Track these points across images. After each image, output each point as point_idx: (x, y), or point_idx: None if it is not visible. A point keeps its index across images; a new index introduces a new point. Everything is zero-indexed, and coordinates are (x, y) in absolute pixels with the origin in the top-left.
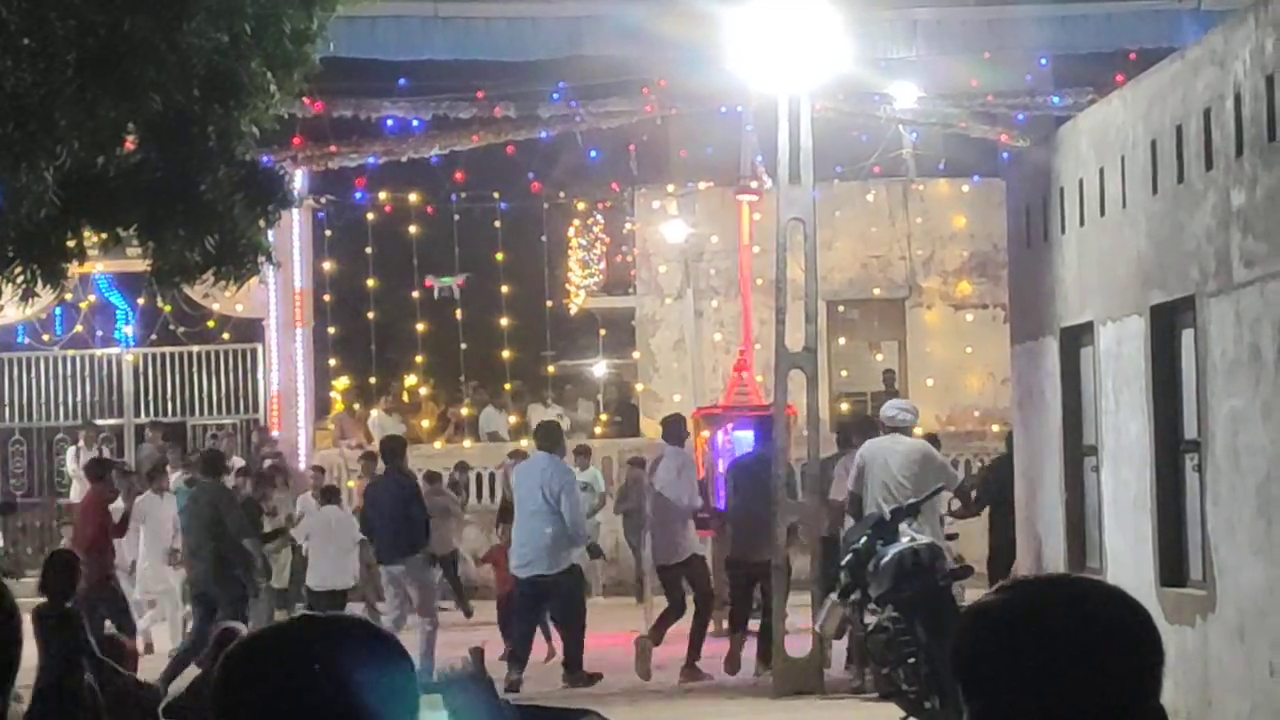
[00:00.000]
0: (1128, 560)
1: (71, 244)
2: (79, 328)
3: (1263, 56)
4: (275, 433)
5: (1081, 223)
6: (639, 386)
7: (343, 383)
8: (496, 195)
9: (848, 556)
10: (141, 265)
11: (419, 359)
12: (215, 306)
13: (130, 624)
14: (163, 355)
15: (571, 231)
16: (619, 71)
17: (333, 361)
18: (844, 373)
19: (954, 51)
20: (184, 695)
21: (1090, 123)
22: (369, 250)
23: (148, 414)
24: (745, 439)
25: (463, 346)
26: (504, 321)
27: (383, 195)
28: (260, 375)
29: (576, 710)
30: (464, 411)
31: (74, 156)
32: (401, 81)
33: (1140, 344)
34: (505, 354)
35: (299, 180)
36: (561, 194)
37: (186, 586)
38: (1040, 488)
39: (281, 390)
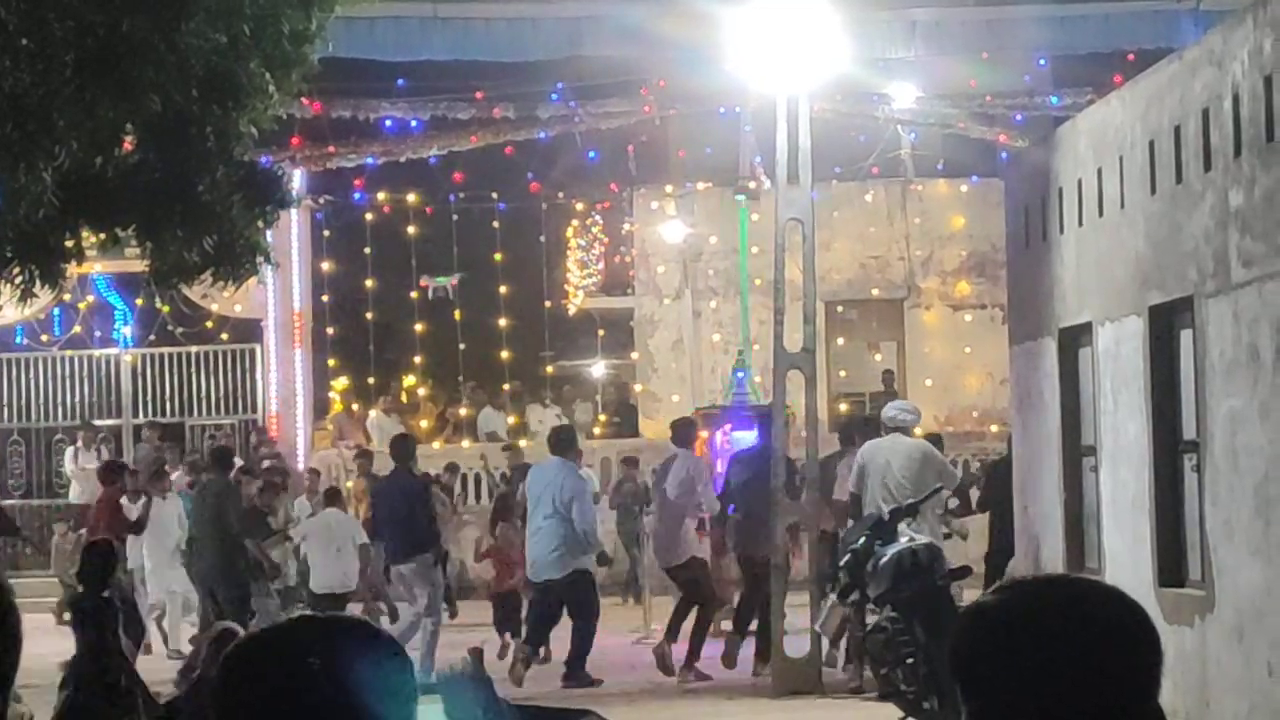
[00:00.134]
0: (1126, 560)
1: (70, 244)
2: (77, 328)
3: (1261, 57)
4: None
5: (1080, 223)
6: (637, 387)
7: (341, 383)
8: (495, 196)
9: (846, 557)
10: (140, 266)
11: (417, 359)
12: (214, 307)
13: (137, 627)
14: (161, 356)
15: (570, 232)
16: (618, 72)
17: (331, 362)
18: (843, 373)
19: (952, 52)
20: (181, 696)
21: (1089, 123)
22: (367, 251)
23: (146, 414)
24: (745, 439)
25: (461, 347)
26: (502, 322)
27: (381, 196)
28: (259, 376)
29: (576, 710)
30: (462, 412)
31: (72, 157)
32: (400, 82)
33: (1139, 344)
34: (504, 354)
35: (297, 181)
36: (560, 194)
37: (191, 582)
38: (1039, 488)
39: (280, 392)
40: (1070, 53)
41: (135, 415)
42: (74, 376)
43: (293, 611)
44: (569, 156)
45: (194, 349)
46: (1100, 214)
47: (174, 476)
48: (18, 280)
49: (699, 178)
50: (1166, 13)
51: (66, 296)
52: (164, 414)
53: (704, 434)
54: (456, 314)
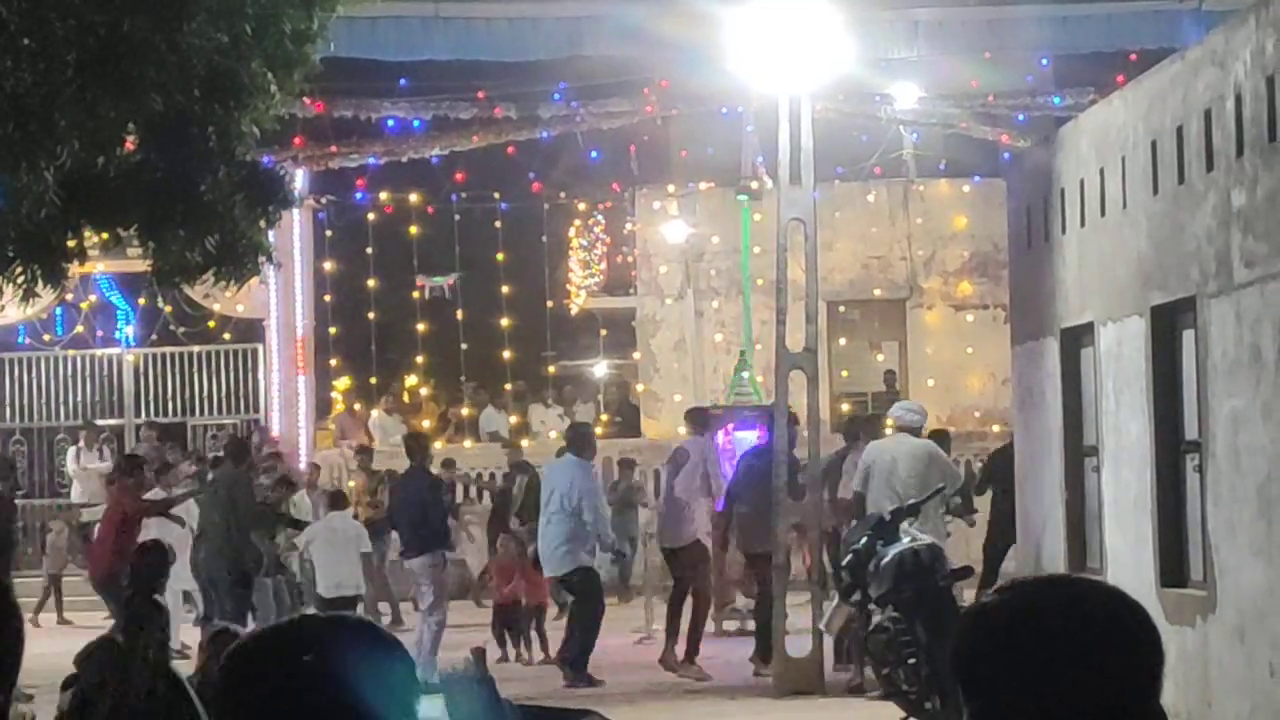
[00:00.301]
0: (1128, 561)
1: (72, 244)
2: (80, 328)
3: (1263, 57)
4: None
5: (1082, 223)
6: (639, 387)
7: (343, 383)
8: (497, 195)
9: (848, 557)
10: (142, 265)
11: (419, 359)
12: (216, 307)
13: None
14: (163, 355)
15: (572, 232)
16: (620, 72)
17: (333, 362)
18: (845, 373)
19: (955, 52)
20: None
21: (1091, 123)
22: (369, 250)
23: (148, 414)
24: (747, 439)
25: (463, 347)
26: (504, 322)
27: (383, 195)
28: (261, 375)
29: (577, 710)
30: (464, 412)
31: (74, 157)
32: (402, 82)
33: (1141, 344)
34: (506, 354)
35: (299, 180)
36: (562, 194)
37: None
38: (1041, 488)
39: (281, 392)
40: (1072, 52)
41: (137, 415)
42: (76, 376)
43: (297, 609)
44: (571, 156)
45: (196, 349)
46: (1102, 214)
47: (180, 468)
48: (20, 280)
49: (701, 178)
50: (1169, 13)
51: (69, 296)
52: (166, 414)
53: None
54: (459, 314)
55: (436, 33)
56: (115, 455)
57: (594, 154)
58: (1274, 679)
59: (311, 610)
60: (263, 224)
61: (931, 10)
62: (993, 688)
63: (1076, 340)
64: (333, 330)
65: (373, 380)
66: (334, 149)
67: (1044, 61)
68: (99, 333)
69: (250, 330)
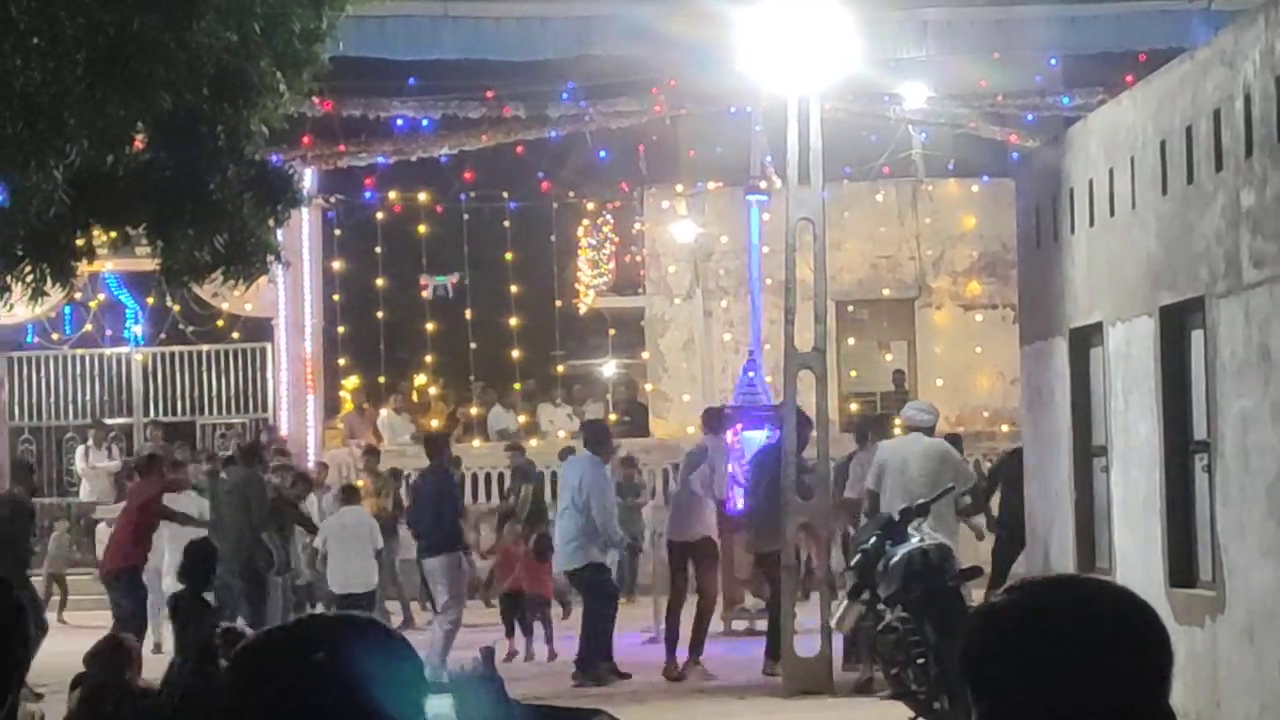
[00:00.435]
0: (1137, 561)
1: (81, 243)
2: (88, 327)
3: (1272, 57)
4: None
5: (1091, 223)
6: (648, 386)
7: (352, 382)
8: (506, 195)
9: (857, 556)
10: (151, 264)
11: (428, 358)
12: (224, 306)
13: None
14: (172, 354)
15: (581, 231)
16: (628, 71)
17: (342, 361)
18: (853, 373)
19: (964, 52)
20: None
21: (1100, 123)
22: (378, 249)
23: (157, 413)
24: (755, 439)
25: (472, 346)
26: (513, 321)
27: (392, 195)
28: (269, 374)
29: (587, 710)
30: (473, 411)
31: (83, 155)
32: (411, 81)
33: (1150, 344)
34: (514, 354)
35: (308, 179)
36: (571, 194)
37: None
38: (1049, 488)
39: (290, 391)
40: (1081, 53)
41: (146, 414)
42: (85, 375)
43: (306, 610)
44: (580, 156)
45: (205, 348)
46: (1111, 214)
47: (189, 469)
48: (28, 278)
49: (710, 177)
50: (1178, 13)
51: (77, 295)
52: (175, 413)
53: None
54: (467, 313)
55: (445, 32)
56: (123, 454)
57: (603, 153)
58: None
59: (320, 609)
60: (271, 223)
61: (940, 10)
62: (1001, 688)
63: (1085, 340)
64: (341, 329)
65: (381, 379)
66: (343, 148)
67: (1053, 61)
68: (108, 331)
69: (259, 329)
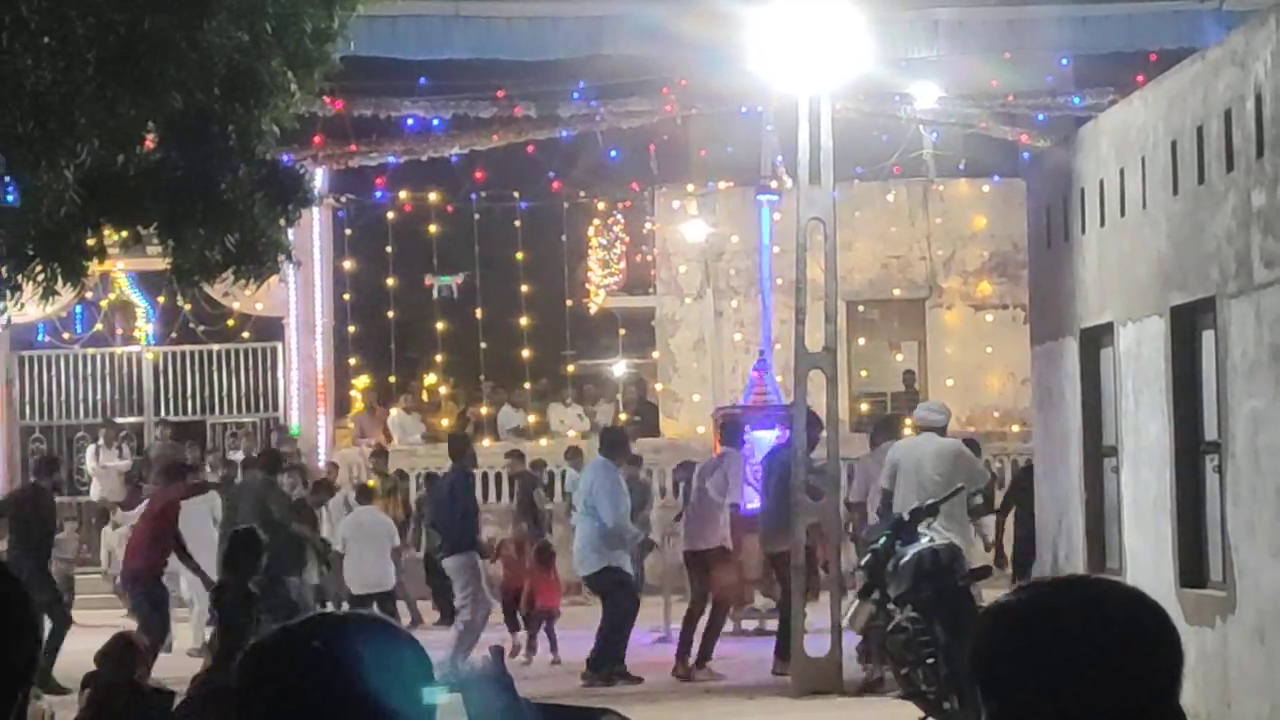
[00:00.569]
0: (1147, 561)
1: (92, 242)
2: (99, 326)
3: None
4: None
5: (1102, 223)
6: (658, 386)
7: (362, 381)
8: (516, 194)
9: (867, 556)
10: (162, 263)
11: (439, 358)
12: (235, 305)
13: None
14: (183, 353)
15: (591, 231)
16: (639, 71)
17: (352, 360)
18: (864, 373)
19: (975, 52)
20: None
21: (1111, 123)
22: (389, 249)
23: (167, 412)
24: (765, 438)
25: (482, 346)
26: (524, 321)
27: (403, 194)
28: (280, 374)
29: (596, 710)
30: (484, 410)
31: (94, 155)
32: (422, 80)
33: (1160, 345)
34: (525, 353)
35: (319, 179)
36: (582, 193)
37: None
38: (1060, 488)
39: (301, 390)
40: (1092, 52)
41: (157, 413)
42: (95, 374)
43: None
44: (590, 155)
45: (215, 347)
46: (1122, 214)
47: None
48: (39, 278)
49: (720, 177)
50: (1189, 13)
51: (88, 294)
52: (185, 412)
53: (720, 423)
54: (478, 313)
55: (456, 31)
56: (134, 453)
57: (614, 153)
58: None
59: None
60: (282, 222)
61: (951, 10)
62: (1011, 688)
63: (1096, 340)
64: (352, 329)
65: (392, 379)
66: (354, 148)
67: (1064, 61)
68: (118, 331)
69: (270, 329)
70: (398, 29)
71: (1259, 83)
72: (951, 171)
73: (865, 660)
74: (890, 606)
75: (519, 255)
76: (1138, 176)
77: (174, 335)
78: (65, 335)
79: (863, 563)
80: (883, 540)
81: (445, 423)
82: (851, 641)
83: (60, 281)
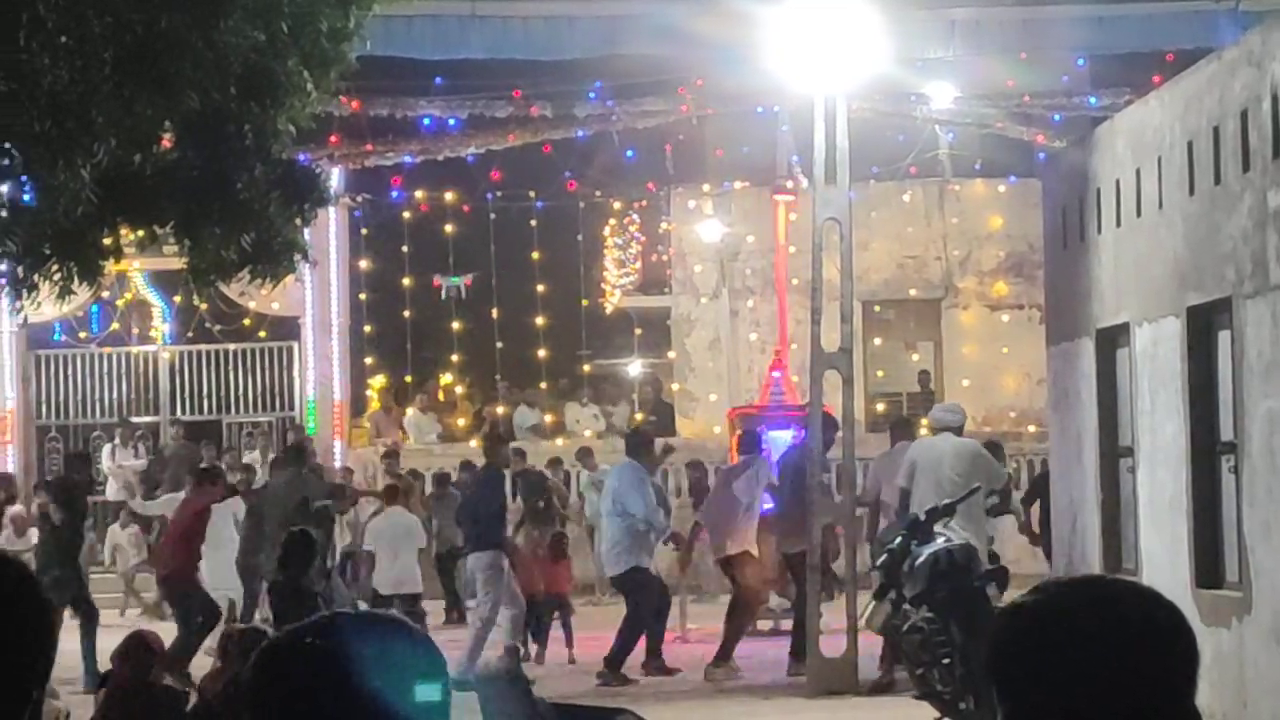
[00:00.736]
0: (1163, 561)
1: (108, 241)
2: (115, 325)
3: None
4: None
5: (1118, 224)
6: (674, 386)
7: (378, 381)
8: (532, 194)
9: (883, 556)
10: (178, 263)
11: (455, 358)
12: (251, 304)
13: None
14: (199, 353)
15: (607, 230)
16: (655, 71)
17: (369, 360)
18: (880, 373)
19: (990, 52)
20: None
21: (1127, 123)
22: (405, 249)
23: (183, 412)
24: (781, 438)
25: (498, 345)
26: (539, 320)
27: (419, 194)
28: (296, 373)
29: (612, 709)
30: (500, 410)
31: (111, 154)
32: (438, 80)
33: (1176, 345)
34: (541, 353)
35: (335, 179)
36: (597, 193)
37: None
38: (1076, 488)
39: (317, 390)
40: (1108, 53)
41: (172, 412)
42: (111, 373)
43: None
44: (606, 155)
45: (231, 346)
46: (1138, 215)
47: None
48: (56, 277)
49: (736, 177)
50: (1205, 13)
51: (104, 294)
52: (201, 411)
53: (739, 433)
54: (494, 312)
55: (473, 31)
56: (149, 453)
57: (629, 153)
58: None
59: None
60: (298, 222)
61: (967, 10)
62: (1024, 688)
63: (1112, 341)
64: (368, 328)
65: (408, 379)
66: (370, 147)
67: (1080, 61)
68: (134, 330)
69: (286, 328)
70: (414, 29)
71: (1275, 83)
72: (967, 171)
73: (884, 663)
74: (906, 607)
75: (535, 255)
76: (1154, 177)
77: (190, 335)
78: (81, 334)
79: (878, 563)
80: (898, 540)
81: (461, 422)
82: (867, 643)
83: (76, 281)
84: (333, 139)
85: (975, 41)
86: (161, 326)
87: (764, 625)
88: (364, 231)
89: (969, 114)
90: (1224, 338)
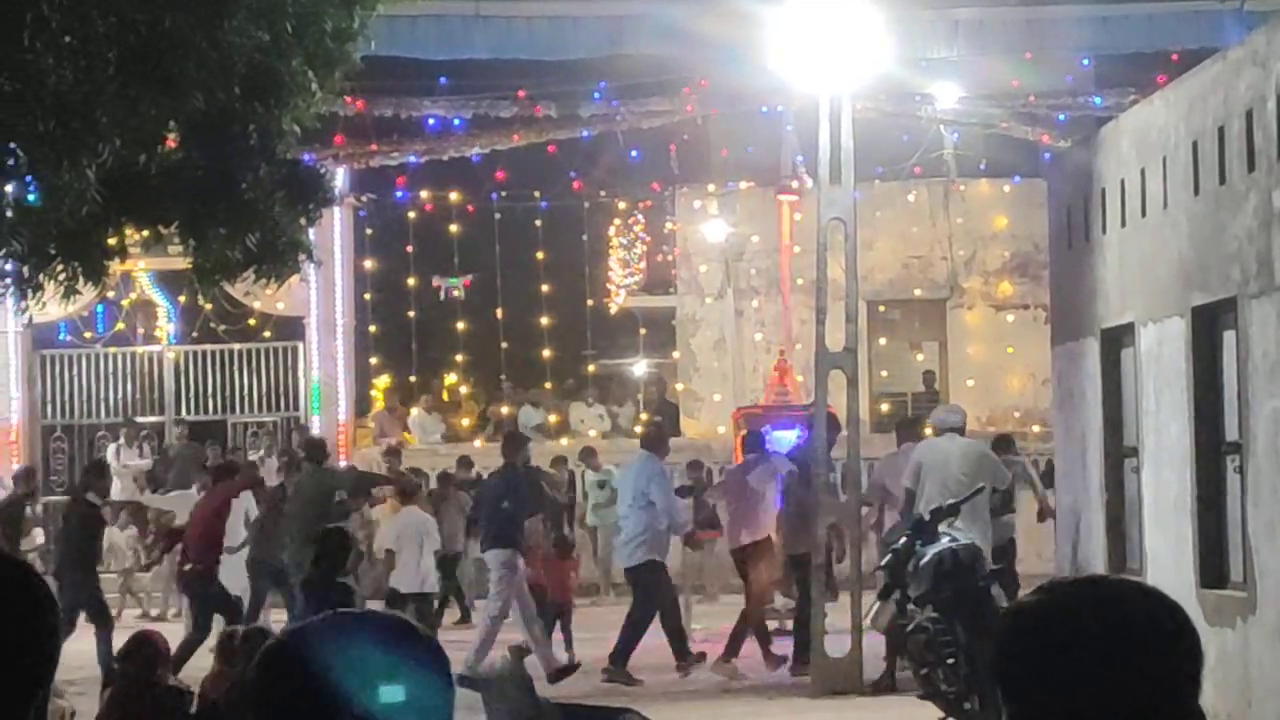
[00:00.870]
0: (1168, 561)
1: (113, 241)
2: (120, 325)
3: None
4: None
5: (1123, 223)
6: (679, 386)
7: (383, 381)
8: (537, 194)
9: (887, 556)
10: (183, 263)
11: (459, 358)
12: (256, 304)
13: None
14: (203, 353)
15: (612, 231)
16: (660, 71)
17: (373, 360)
18: (884, 373)
19: (995, 52)
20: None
21: (1132, 123)
22: (409, 249)
23: (188, 411)
24: (785, 438)
25: (503, 345)
26: (544, 320)
27: (424, 194)
28: (301, 373)
29: (617, 709)
30: (504, 410)
31: (115, 154)
32: (442, 80)
33: (1181, 345)
34: (546, 353)
35: (340, 178)
36: (602, 193)
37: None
38: (1080, 488)
39: (322, 389)
40: (1113, 53)
41: (178, 412)
42: (117, 373)
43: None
44: (611, 155)
45: (236, 346)
46: (1143, 214)
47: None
48: (61, 277)
49: (741, 177)
50: (1210, 13)
51: (110, 293)
52: (206, 411)
53: (744, 433)
54: (498, 313)
55: (477, 31)
56: (154, 452)
57: (634, 153)
58: None
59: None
60: (303, 222)
61: (972, 10)
62: (1030, 688)
63: (1117, 341)
64: (373, 328)
65: (413, 378)
66: (374, 147)
67: (1085, 61)
68: (139, 330)
69: (290, 328)
70: (418, 29)
71: None
72: (972, 171)
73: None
74: (911, 607)
75: (539, 255)
76: (1159, 177)
77: (195, 334)
78: (87, 334)
79: (883, 563)
80: (903, 540)
81: (465, 422)
82: (871, 642)
83: (81, 281)
84: (337, 139)
85: (980, 41)
86: (166, 326)
87: (769, 625)
88: (369, 231)
89: (974, 114)
90: (1229, 338)
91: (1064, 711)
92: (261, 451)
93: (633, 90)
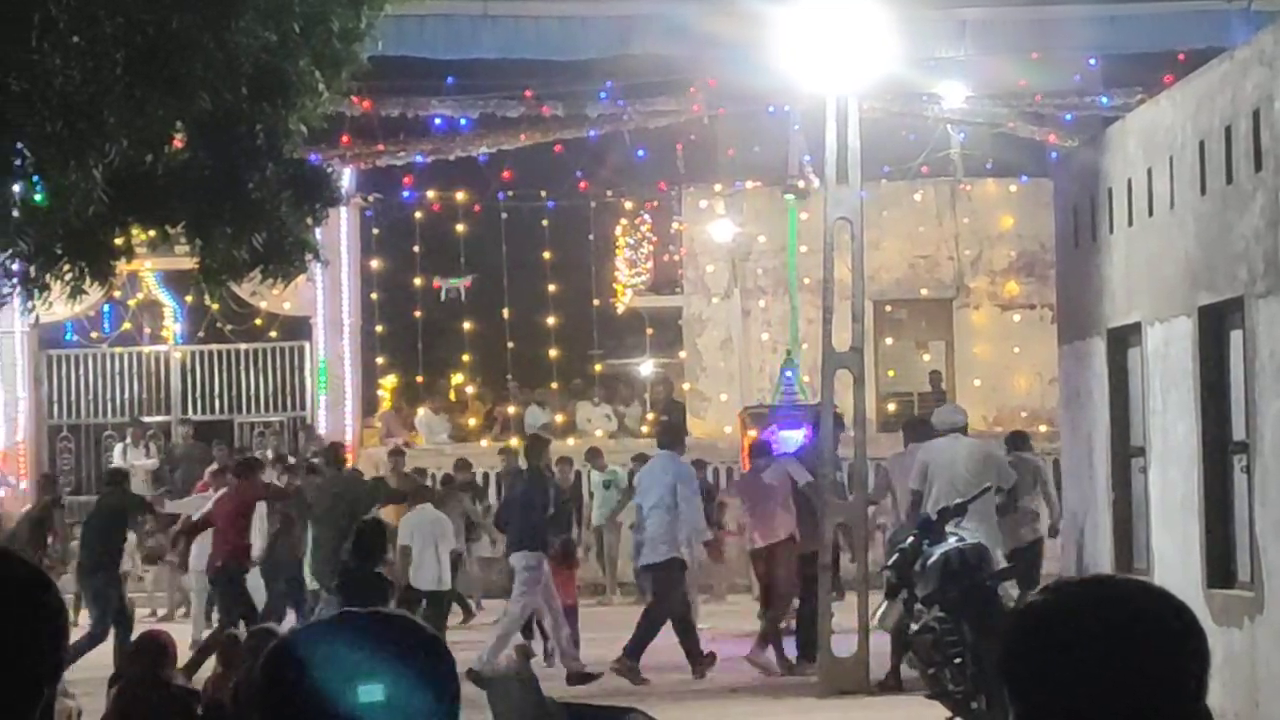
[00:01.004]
0: (1175, 561)
1: (120, 241)
2: (127, 325)
3: None
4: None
5: (1130, 223)
6: (685, 386)
7: (390, 381)
8: (544, 194)
9: (894, 556)
10: (189, 263)
11: (466, 357)
12: (263, 304)
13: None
14: (210, 353)
15: (619, 230)
16: (667, 71)
17: (380, 360)
18: (891, 373)
19: (1002, 51)
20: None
21: (1138, 123)
22: (416, 248)
23: (195, 411)
24: (792, 438)
25: (509, 345)
26: (551, 320)
27: (430, 194)
28: (307, 373)
29: (622, 708)
30: (510, 410)
31: (122, 154)
32: (449, 80)
33: (1188, 345)
34: (552, 353)
35: (346, 178)
36: (609, 193)
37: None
38: (1087, 488)
39: (328, 389)
40: (1120, 52)
41: (184, 412)
42: (123, 373)
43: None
44: (618, 155)
45: (243, 346)
46: (1150, 214)
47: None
48: (67, 277)
49: (748, 177)
50: (1217, 13)
51: (116, 293)
52: (212, 411)
53: (751, 433)
54: (505, 312)
55: (484, 31)
56: (160, 452)
57: (641, 153)
58: None
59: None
60: (310, 222)
61: (979, 10)
62: (1036, 688)
63: (1124, 340)
64: (379, 328)
65: (419, 378)
66: (381, 147)
67: (1092, 61)
68: (146, 330)
69: (297, 328)
70: (426, 29)
71: None
72: (979, 171)
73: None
74: (918, 606)
75: (546, 255)
76: (1165, 176)
77: (201, 334)
78: (93, 334)
79: (890, 563)
80: (910, 540)
81: (472, 422)
82: (878, 641)
83: (88, 281)
84: (344, 139)
85: (986, 41)
86: (173, 326)
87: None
88: (375, 231)
89: (980, 114)
90: (1236, 337)
91: (1069, 711)
92: (268, 451)
93: (640, 90)
